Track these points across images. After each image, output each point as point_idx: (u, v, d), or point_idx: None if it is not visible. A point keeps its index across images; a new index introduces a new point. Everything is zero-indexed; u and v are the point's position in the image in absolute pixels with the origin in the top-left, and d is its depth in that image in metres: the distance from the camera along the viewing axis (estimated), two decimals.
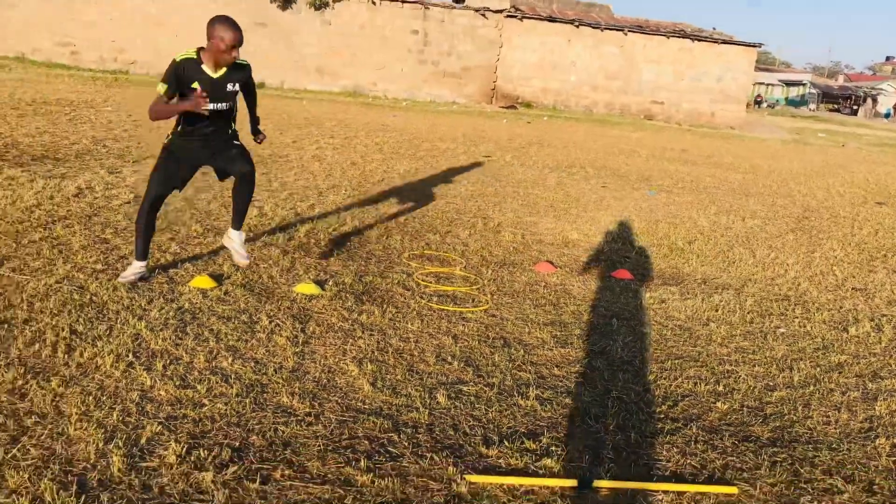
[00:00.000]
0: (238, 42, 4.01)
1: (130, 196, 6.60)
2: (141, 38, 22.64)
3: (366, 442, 2.90)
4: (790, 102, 65.76)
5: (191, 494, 2.46)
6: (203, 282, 4.49)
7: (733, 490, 2.80)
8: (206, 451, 2.70)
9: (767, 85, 67.81)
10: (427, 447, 2.90)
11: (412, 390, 3.39)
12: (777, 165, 15.50)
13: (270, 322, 4.03)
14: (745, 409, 3.54)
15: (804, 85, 69.08)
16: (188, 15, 21.58)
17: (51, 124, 10.51)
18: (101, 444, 2.67)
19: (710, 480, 2.86)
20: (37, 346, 3.40)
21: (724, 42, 25.38)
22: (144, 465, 2.60)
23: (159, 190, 4.28)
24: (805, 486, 2.89)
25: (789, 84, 68.64)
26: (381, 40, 24.27)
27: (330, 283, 4.80)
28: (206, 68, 4.10)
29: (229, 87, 4.19)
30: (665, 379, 3.81)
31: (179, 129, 4.26)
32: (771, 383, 3.88)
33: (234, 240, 4.61)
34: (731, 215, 8.84)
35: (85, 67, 22.07)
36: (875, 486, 2.94)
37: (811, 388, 3.86)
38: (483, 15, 24.60)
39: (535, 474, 2.78)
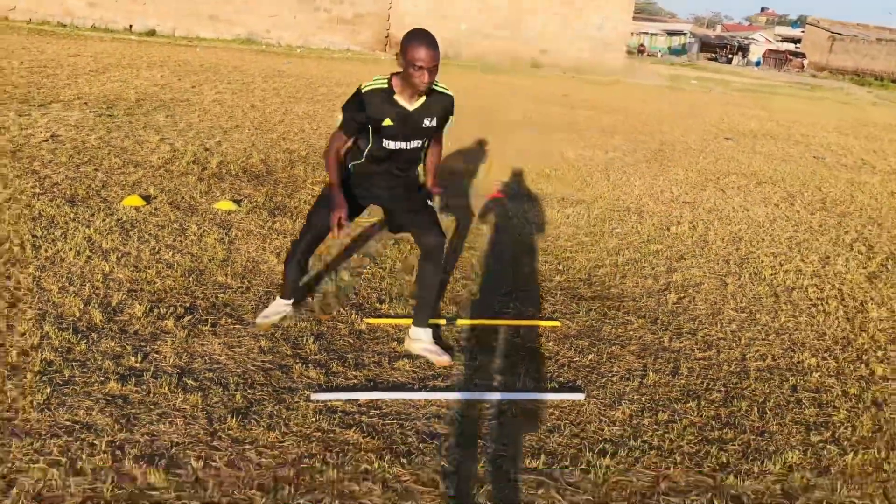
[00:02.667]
0: (430, 62, 3.08)
1: (48, 135, 7.10)
2: None
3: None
4: (672, 52, 68.88)
5: (159, 333, 3.34)
6: (134, 200, 5.23)
7: (557, 324, 3.91)
8: (164, 309, 3.57)
9: (651, 34, 70.70)
10: (342, 312, 3.86)
11: (321, 271, 4.33)
12: (647, 108, 17.00)
13: (199, 229, 4.85)
14: (576, 279, 4.67)
15: (685, 34, 72.42)
16: None
17: None
18: (81, 306, 3.49)
19: (540, 318, 3.97)
20: (6, 245, 4.12)
21: None
22: (119, 318, 3.45)
23: (315, 230, 3.52)
24: (609, 321, 4.04)
25: (671, 34, 71.79)
26: None
27: (245, 202, 5.62)
28: (401, 99, 3.24)
29: (426, 122, 3.32)
30: (518, 262, 4.90)
31: (353, 164, 3.47)
32: (600, 264, 5.04)
33: (422, 340, 3.44)
34: (596, 149, 10.06)
35: None
36: (658, 320, 4.13)
37: (630, 266, 5.05)
38: None
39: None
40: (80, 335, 3.23)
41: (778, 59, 58.54)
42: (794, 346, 3.98)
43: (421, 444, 2.70)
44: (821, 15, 66.16)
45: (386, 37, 25.64)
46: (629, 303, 4.33)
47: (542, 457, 2.70)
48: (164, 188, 5.74)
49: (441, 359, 3.39)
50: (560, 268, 4.87)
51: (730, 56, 66.45)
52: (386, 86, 3.24)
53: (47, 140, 6.90)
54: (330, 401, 2.92)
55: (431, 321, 3.53)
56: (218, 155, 7.07)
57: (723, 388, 3.41)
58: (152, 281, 3.90)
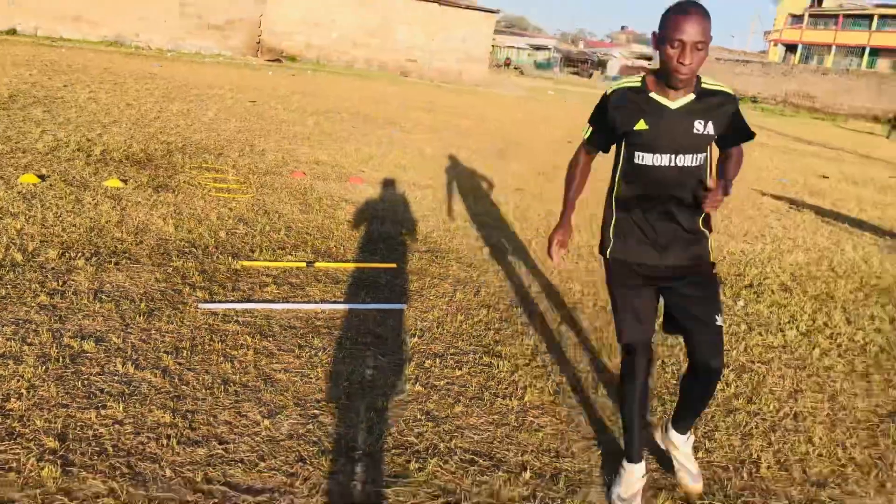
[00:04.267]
0: (696, 36, 2.29)
1: None
2: None
3: (175, 253, 4.77)
4: (538, 65, 72.54)
5: (72, 269, 4.21)
6: (30, 178, 5.95)
7: (393, 265, 5.07)
8: (74, 253, 4.43)
9: (518, 49, 74.11)
10: (216, 255, 4.84)
11: (204, 231, 5.28)
12: (502, 115, 18.64)
13: (93, 200, 5.66)
14: (416, 239, 5.85)
15: (549, 49, 76.37)
16: None
17: None
18: (3, 251, 4.30)
19: (374, 259, 5.12)
20: None
21: (469, 8, 28.57)
22: (37, 259, 4.29)
23: (632, 335, 2.63)
24: (435, 265, 5.23)
25: (537, 48, 75.53)
26: None
27: (130, 181, 6.44)
28: (658, 96, 2.47)
29: (697, 126, 2.44)
30: (368, 227, 6.03)
31: (615, 204, 2.65)
32: (436, 229, 6.25)
33: (677, 447, 2.79)
34: (451, 148, 11.36)
35: None
36: (472, 265, 5.36)
37: (460, 231, 6.28)
38: None
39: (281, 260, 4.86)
40: (6, 269, 4.07)
41: (632, 74, 63.04)
42: (537, 271, 5.33)
43: (283, 331, 3.77)
44: None
45: (258, 42, 26.17)
46: (453, 254, 5.55)
47: (370, 338, 3.83)
48: (55, 170, 6.46)
49: (694, 485, 2.71)
50: (403, 231, 6.04)
51: (591, 70, 70.76)
52: (639, 84, 2.51)
53: None
54: (213, 309, 3.92)
55: (293, 263, 4.59)
56: (100, 145, 7.78)
57: (508, 302, 4.67)
58: (60, 235, 4.73)
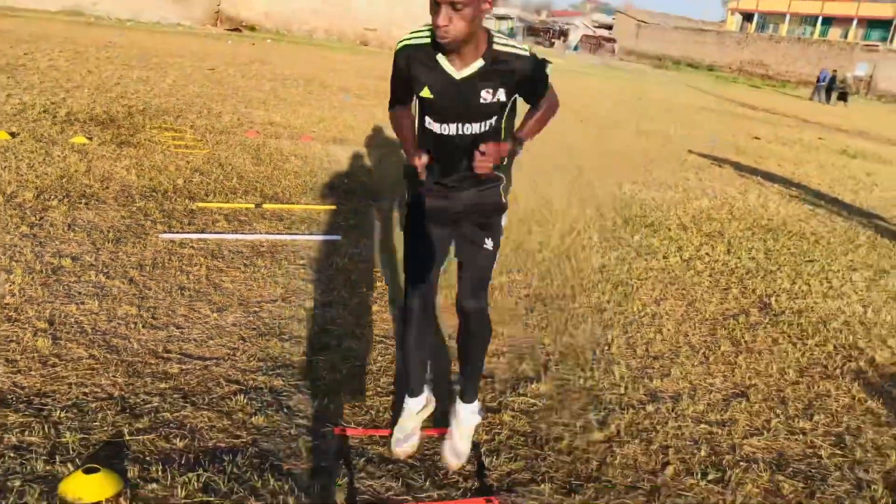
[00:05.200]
0: None
1: None
2: None
3: (137, 196, 5.42)
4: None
5: (47, 207, 4.85)
6: (2, 135, 6.52)
7: (333, 207, 5.77)
8: (47, 195, 5.06)
9: None
10: (174, 198, 5.50)
11: (164, 179, 5.92)
12: None
13: (62, 153, 6.26)
14: (355, 187, 6.55)
15: (512, 19, 76.64)
16: None
17: None
18: None
19: (316, 202, 5.81)
20: None
21: None
22: (14, 200, 4.91)
23: (419, 276, 2.60)
24: (373, 205, 5.95)
25: (499, 18, 75.72)
26: None
27: (95, 138, 7.02)
28: (444, 61, 2.35)
29: (485, 95, 2.36)
30: (316, 177, 6.71)
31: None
32: (381, 179, 6.95)
33: (458, 416, 2.74)
34: None
35: None
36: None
37: (390, 181, 6.99)
38: None
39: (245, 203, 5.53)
40: None
41: (592, 44, 63.75)
42: None
43: (231, 254, 4.47)
44: (642, 5, 72.57)
45: (216, 12, 26.34)
46: (387, 195, 6.27)
47: (306, 259, 4.55)
48: (24, 128, 7.01)
49: (454, 461, 2.66)
50: (345, 180, 6.73)
51: (552, 40, 71.27)
52: (427, 41, 2.33)
53: None
54: (172, 238, 4.60)
55: (243, 205, 5.27)
56: (64, 107, 8.31)
57: None
58: (34, 181, 5.35)
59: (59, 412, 2.65)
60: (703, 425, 3.18)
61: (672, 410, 3.27)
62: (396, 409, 2.87)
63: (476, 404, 2.77)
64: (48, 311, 3.40)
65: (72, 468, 2.34)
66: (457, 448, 2.68)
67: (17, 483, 2.26)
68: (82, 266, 3.98)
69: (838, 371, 3.93)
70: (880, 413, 3.50)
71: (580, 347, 3.81)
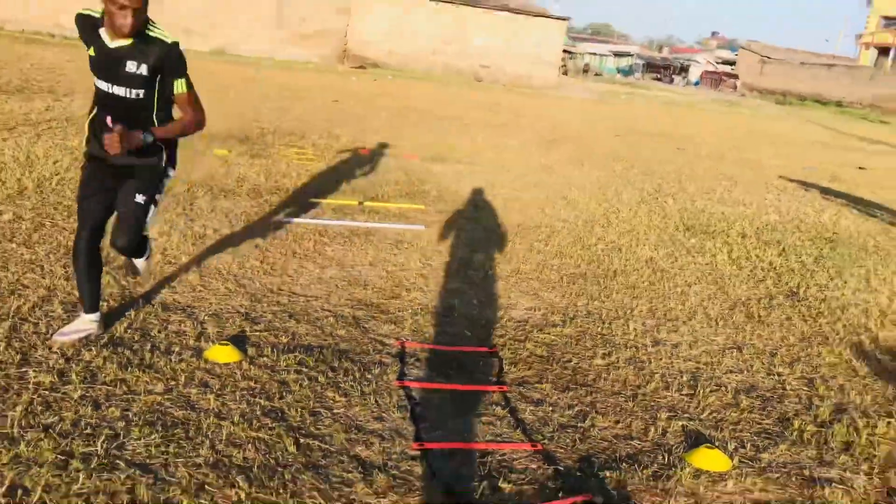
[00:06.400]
0: (133, 3, 2.86)
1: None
2: None
3: (265, 193, 6.66)
4: (621, 71, 73.06)
5: (194, 198, 6.14)
6: None
7: (421, 207, 6.81)
8: (195, 189, 6.37)
9: (601, 56, 74.77)
10: (294, 195, 6.70)
11: (286, 182, 7.15)
12: (562, 114, 20.15)
13: (207, 160, 7.64)
14: (420, 193, 7.59)
15: (631, 55, 76.72)
16: None
17: None
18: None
19: (407, 201, 6.88)
20: None
21: (539, 16, 30.15)
22: (170, 193, 6.24)
23: (87, 218, 3.22)
24: (452, 215, 6.95)
25: (618, 55, 75.99)
26: (245, 4, 27.10)
27: (233, 151, 8.42)
28: (104, 32, 3.00)
29: (129, 66, 2.97)
30: (406, 183, 7.80)
31: (91, 108, 3.22)
32: (452, 190, 7.96)
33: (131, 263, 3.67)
34: (502, 139, 13.04)
35: None
36: (463, 209, 7.05)
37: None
38: None
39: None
40: None
41: (714, 79, 62.89)
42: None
43: (334, 235, 5.56)
44: (767, 40, 70.75)
45: (344, 51, 28.52)
46: (470, 204, 7.25)
47: (394, 241, 5.58)
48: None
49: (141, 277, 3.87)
50: (435, 190, 7.78)
51: (672, 76, 70.80)
52: (98, 15, 3.01)
53: (83, 114, 9.61)
54: (290, 222, 5.76)
55: (348, 201, 6.39)
56: (209, 127, 9.83)
57: (495, 231, 6.33)
58: (186, 179, 6.70)
59: (203, 316, 3.77)
60: (691, 363, 3.93)
61: (670, 353, 4.03)
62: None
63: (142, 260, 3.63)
64: (196, 260, 4.58)
65: (211, 344, 3.42)
66: (132, 267, 3.64)
67: (177, 349, 3.36)
68: (220, 235, 5.19)
69: (837, 340, 4.52)
70: (860, 370, 4.10)
71: (607, 309, 4.61)
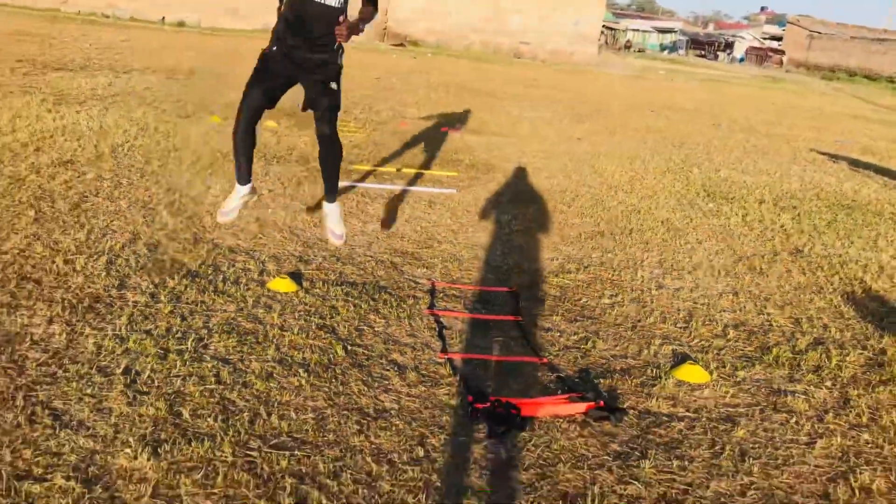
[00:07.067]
0: None
1: (142, 88, 10.55)
2: None
3: (312, 160, 7.28)
4: (664, 48, 72.16)
5: None
6: (215, 118, 8.66)
7: (454, 173, 7.35)
8: None
9: (643, 32, 73.89)
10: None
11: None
12: (600, 90, 20.41)
13: (259, 131, 8.28)
14: (473, 164, 8.11)
15: (675, 32, 75.65)
16: None
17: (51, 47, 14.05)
18: (210, 153, 6.93)
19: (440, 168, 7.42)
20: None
21: None
22: (227, 158, 6.89)
23: (254, 100, 3.91)
24: (485, 179, 7.48)
25: (662, 31, 75.01)
26: None
27: (281, 124, 9.06)
28: None
29: None
30: (440, 152, 8.34)
31: (280, 19, 3.81)
32: (494, 158, 8.48)
33: (326, 214, 4.31)
34: (539, 111, 13.48)
35: (20, 5, 24.62)
36: (516, 183, 7.57)
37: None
38: None
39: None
40: (217, 162, 6.67)
41: (759, 55, 61.83)
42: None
43: (376, 195, 6.14)
44: (819, 15, 69.25)
45: (384, 29, 29.02)
46: (500, 171, 7.77)
47: (427, 202, 6.14)
48: (231, 116, 9.15)
49: (336, 241, 4.33)
50: (468, 158, 8.31)
51: (717, 53, 69.74)
52: None
53: (143, 89, 10.36)
54: None
55: (387, 168, 6.97)
56: None
57: (519, 197, 6.84)
58: None
59: (264, 257, 4.39)
60: (689, 303, 4.43)
61: (671, 295, 4.54)
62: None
63: (336, 203, 4.33)
64: (255, 215, 5.21)
65: (272, 278, 4.03)
66: (335, 230, 4.31)
67: (244, 281, 3.98)
68: (274, 195, 5.81)
69: (831, 289, 4.97)
70: (849, 315, 4.55)
71: (619, 260, 5.13)
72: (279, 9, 3.83)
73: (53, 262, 3.87)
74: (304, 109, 4.08)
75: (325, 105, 3.90)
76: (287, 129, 8.69)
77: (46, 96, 8.71)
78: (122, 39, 18.25)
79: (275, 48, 3.80)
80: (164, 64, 13.80)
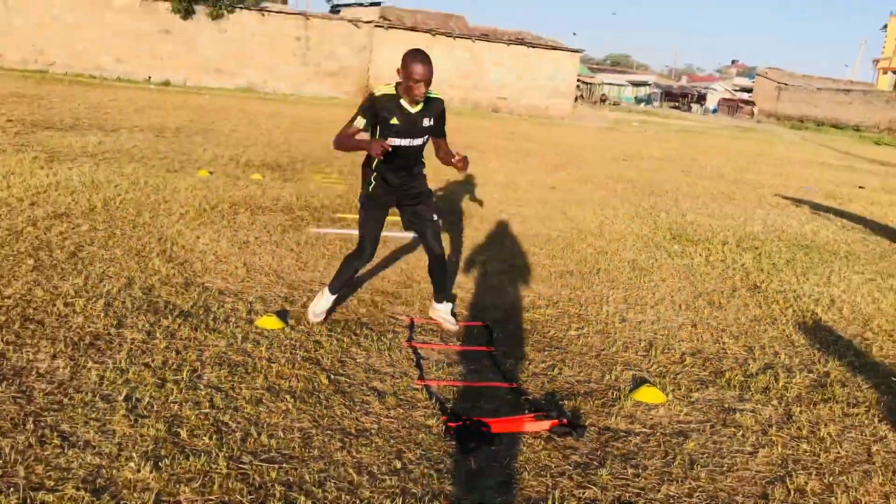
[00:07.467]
0: (425, 77, 3.87)
1: (130, 145, 10.90)
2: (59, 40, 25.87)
3: (297, 209, 7.61)
4: (638, 100, 74.10)
5: (236, 213, 7.10)
6: (203, 172, 9.01)
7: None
8: (237, 207, 7.34)
9: (618, 85, 75.90)
10: (322, 211, 7.65)
11: (315, 201, 8.10)
12: (576, 142, 21.07)
13: (245, 184, 8.62)
14: (456, 202, 8.48)
15: (649, 85, 77.78)
16: (101, 21, 25.10)
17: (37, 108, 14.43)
18: (197, 205, 7.25)
19: None
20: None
21: (554, 48, 31.28)
22: (217, 209, 7.20)
23: (369, 237, 4.38)
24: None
25: (636, 84, 77.11)
26: (270, 45, 28.53)
27: (266, 176, 9.40)
28: (405, 103, 4.02)
29: (425, 122, 4.12)
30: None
31: (375, 173, 4.25)
32: (497, 211, 8.86)
33: (438, 310, 4.61)
34: (513, 163, 13.95)
35: (8, 67, 25.10)
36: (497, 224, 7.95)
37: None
38: (356, 25, 29.34)
39: None
40: (205, 210, 6.99)
41: (731, 106, 63.64)
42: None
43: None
44: (787, 67, 71.75)
45: (366, 86, 29.79)
46: (476, 218, 8.14)
47: (406, 241, 6.47)
48: (217, 169, 9.52)
49: (451, 327, 4.53)
50: (447, 206, 8.69)
51: (690, 104, 71.66)
52: (394, 92, 4.00)
53: (132, 147, 10.71)
54: (319, 232, 6.68)
55: None
56: (245, 157, 10.89)
57: (500, 217, 7.19)
58: (227, 199, 7.65)
59: (251, 298, 4.68)
60: (650, 333, 4.75)
61: (634, 327, 4.86)
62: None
63: (448, 303, 4.65)
64: (243, 261, 5.50)
65: (259, 316, 4.32)
66: (449, 321, 4.59)
67: (233, 319, 4.26)
68: (261, 241, 6.12)
69: (784, 321, 5.31)
70: (799, 343, 4.88)
71: (586, 296, 5.46)
72: (364, 164, 4.38)
73: (54, 304, 4.14)
74: (406, 229, 4.81)
75: (431, 234, 4.45)
76: (272, 181, 9.05)
77: (38, 154, 9.04)
78: (110, 99, 18.70)
79: (379, 190, 4.30)
80: (151, 122, 14.21)
